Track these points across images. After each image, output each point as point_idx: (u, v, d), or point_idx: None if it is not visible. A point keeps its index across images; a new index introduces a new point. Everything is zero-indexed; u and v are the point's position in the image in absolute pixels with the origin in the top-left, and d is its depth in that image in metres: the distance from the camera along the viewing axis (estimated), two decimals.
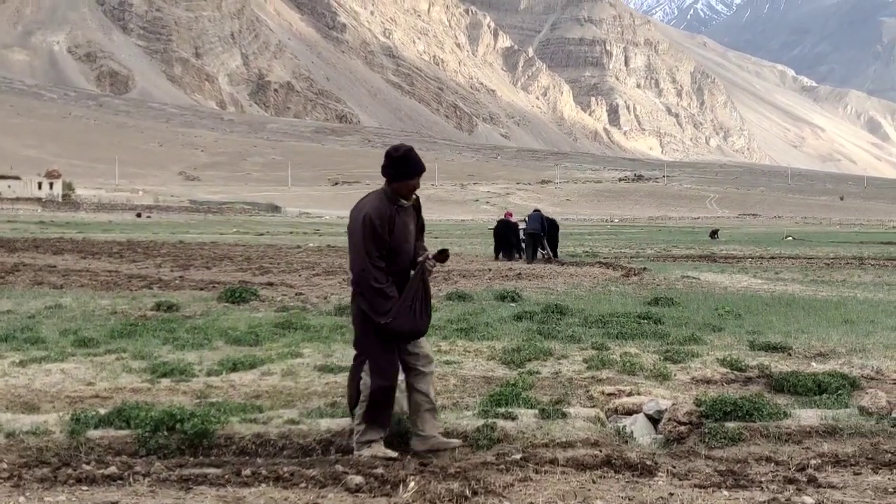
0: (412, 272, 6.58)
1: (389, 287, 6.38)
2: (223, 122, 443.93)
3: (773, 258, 35.46)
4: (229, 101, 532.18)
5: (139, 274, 22.31)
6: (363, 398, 6.44)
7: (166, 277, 21.35)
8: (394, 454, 6.36)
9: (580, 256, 34.32)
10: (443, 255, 6.67)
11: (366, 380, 6.45)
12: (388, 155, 6.52)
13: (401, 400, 6.74)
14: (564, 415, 7.15)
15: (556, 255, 32.42)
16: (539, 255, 31.58)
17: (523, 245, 32.47)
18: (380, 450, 6.38)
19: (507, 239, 32.71)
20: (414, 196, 6.65)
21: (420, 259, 6.57)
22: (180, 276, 21.72)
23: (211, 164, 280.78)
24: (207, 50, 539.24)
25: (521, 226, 33.07)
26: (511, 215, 34.33)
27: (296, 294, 17.94)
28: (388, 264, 6.45)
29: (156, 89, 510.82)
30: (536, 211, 32.60)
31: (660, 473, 6.05)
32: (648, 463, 6.21)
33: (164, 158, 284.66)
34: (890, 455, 6.52)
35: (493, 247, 33.69)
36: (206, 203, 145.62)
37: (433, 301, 6.87)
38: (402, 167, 6.49)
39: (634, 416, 7.23)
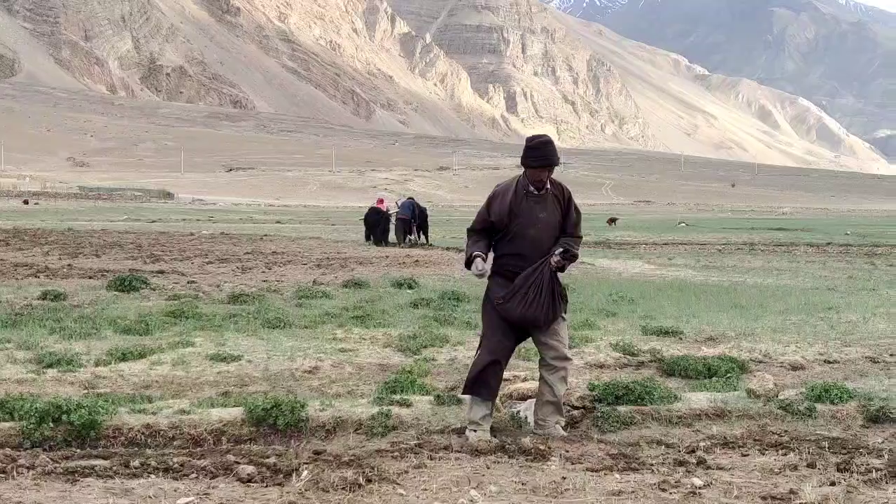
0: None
1: (474, 245, 6.77)
2: (114, 106, 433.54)
3: (666, 244, 36.12)
4: (120, 86, 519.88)
5: (25, 262, 21.68)
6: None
7: (54, 266, 20.79)
8: (495, 442, 6.42)
9: None
10: (570, 255, 6.70)
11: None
12: (525, 141, 6.78)
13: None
14: (459, 401, 7.15)
15: (427, 239, 34.46)
16: (408, 239, 33.40)
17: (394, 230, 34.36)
18: (485, 436, 6.49)
19: (376, 225, 34.00)
20: (549, 188, 6.74)
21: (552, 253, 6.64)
22: (68, 265, 21.17)
23: (101, 150, 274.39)
24: (97, 33, 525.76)
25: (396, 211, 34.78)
26: (382, 202, 35.83)
27: (188, 282, 17.66)
28: (511, 247, 6.72)
29: (43, 73, 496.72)
30: (409, 199, 35.07)
31: (553, 458, 6.09)
32: (542, 448, 6.24)
33: (53, 144, 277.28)
34: (776, 436, 6.67)
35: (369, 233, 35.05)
36: (96, 190, 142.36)
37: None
38: (529, 156, 6.66)
39: (529, 401, 7.25)
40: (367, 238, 33.92)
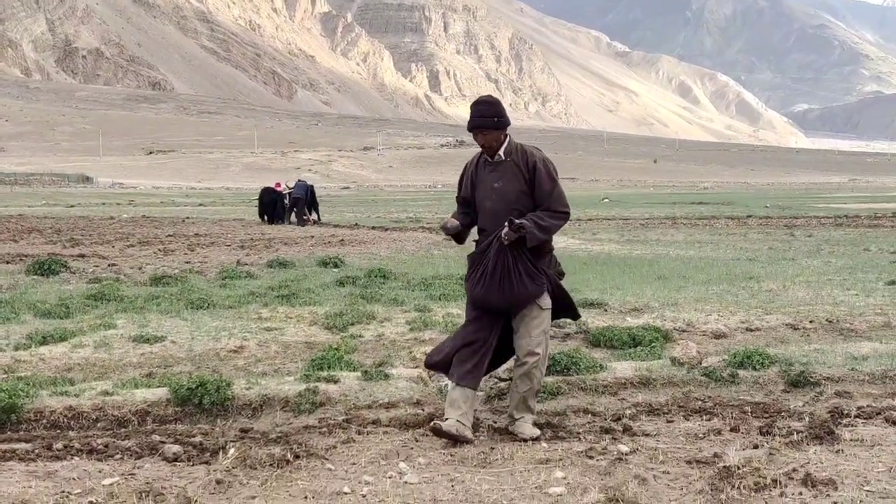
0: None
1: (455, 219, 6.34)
2: (29, 90, 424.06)
3: (590, 220, 36.41)
4: (35, 69, 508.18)
5: None
6: None
7: None
8: (468, 434, 5.84)
9: (404, 222, 34.47)
10: (514, 226, 5.88)
11: None
12: None
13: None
14: (387, 376, 7.16)
15: (319, 216, 35.81)
16: (304, 218, 34.55)
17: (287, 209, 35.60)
18: (452, 426, 5.81)
19: (269, 205, 35.14)
20: (508, 155, 6.16)
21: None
22: None
23: (16, 135, 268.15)
24: (9, 15, 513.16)
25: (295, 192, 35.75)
26: (280, 185, 37.09)
27: (109, 265, 17.39)
28: (478, 222, 6.29)
29: None
30: (301, 180, 36.24)
31: (481, 429, 6.12)
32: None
33: None
34: (700, 402, 6.79)
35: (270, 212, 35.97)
36: (12, 175, 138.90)
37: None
38: (469, 120, 6.20)
39: None
40: (262, 217, 34.86)
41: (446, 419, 5.85)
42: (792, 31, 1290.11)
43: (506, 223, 5.89)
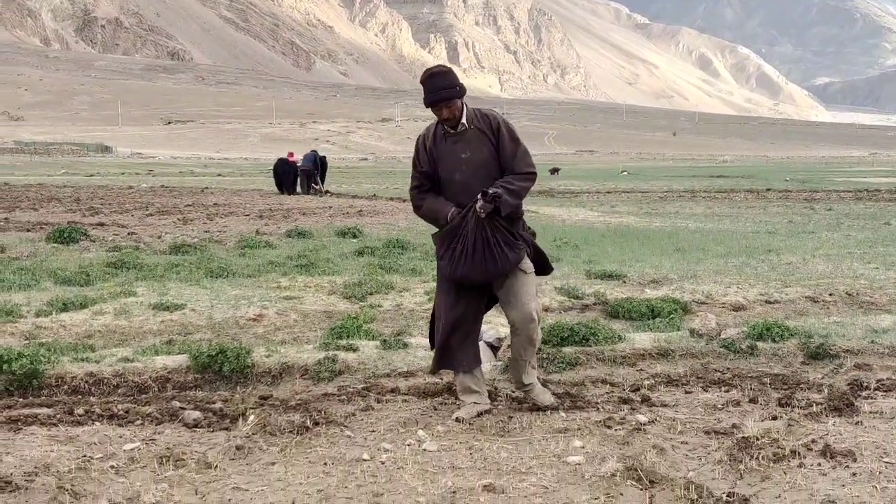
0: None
1: (420, 199, 5.97)
2: (48, 59, 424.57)
3: (609, 192, 36.34)
4: (54, 38, 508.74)
5: None
6: None
7: None
8: (486, 406, 5.85)
9: None
10: (489, 196, 5.55)
11: None
12: None
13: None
14: (406, 345, 7.19)
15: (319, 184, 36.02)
16: (312, 188, 34.90)
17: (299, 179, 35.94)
18: (472, 409, 5.76)
19: (283, 175, 35.46)
20: (471, 123, 5.81)
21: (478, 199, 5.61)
22: (5, 218, 20.81)
23: (36, 104, 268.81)
24: None
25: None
26: (292, 155, 37.30)
27: (128, 234, 17.46)
28: (445, 196, 5.89)
29: None
30: (312, 151, 36.72)
31: (499, 398, 6.13)
32: (488, 388, 6.28)
33: None
34: (719, 374, 6.78)
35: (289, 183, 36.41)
36: (32, 144, 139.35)
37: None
38: (424, 92, 5.77)
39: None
40: (280, 189, 35.05)
41: (463, 404, 5.85)
42: (813, 3, 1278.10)
43: (479, 196, 5.59)
